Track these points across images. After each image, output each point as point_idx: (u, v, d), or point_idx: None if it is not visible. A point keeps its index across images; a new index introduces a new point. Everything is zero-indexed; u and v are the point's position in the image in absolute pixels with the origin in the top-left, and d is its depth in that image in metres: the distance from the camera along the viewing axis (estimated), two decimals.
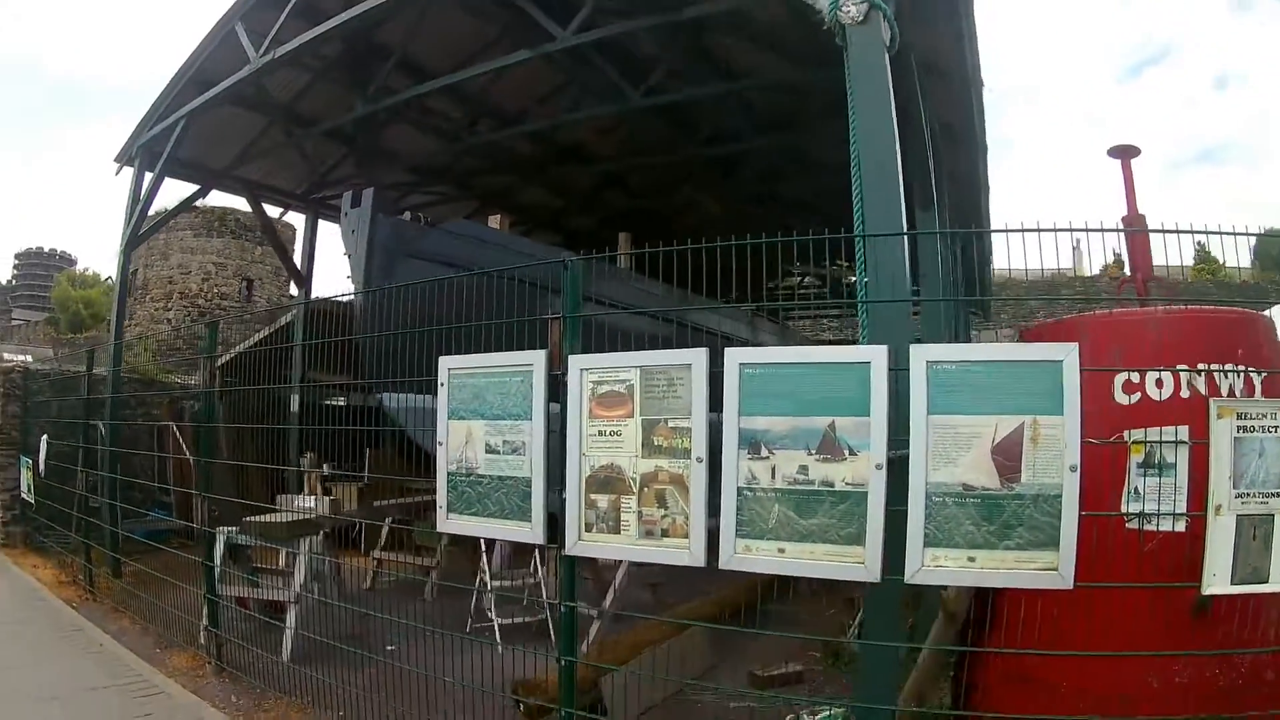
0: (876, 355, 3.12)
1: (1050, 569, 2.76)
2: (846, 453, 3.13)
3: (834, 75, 6.68)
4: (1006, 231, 3.31)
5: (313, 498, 6.42)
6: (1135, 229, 4.32)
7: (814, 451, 3.19)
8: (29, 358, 14.57)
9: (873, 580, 3.03)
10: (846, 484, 3.11)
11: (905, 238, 3.92)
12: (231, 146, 9.62)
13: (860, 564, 3.05)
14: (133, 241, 9.08)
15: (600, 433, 3.38)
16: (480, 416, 3.66)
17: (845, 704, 3.99)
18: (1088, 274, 20.63)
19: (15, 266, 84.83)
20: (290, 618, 5.50)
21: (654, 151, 10.11)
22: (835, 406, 3.15)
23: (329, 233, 11.46)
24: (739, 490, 3.25)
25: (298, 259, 11.47)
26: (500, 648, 5.57)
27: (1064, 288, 21.04)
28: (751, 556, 3.25)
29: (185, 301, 22.09)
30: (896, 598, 3.32)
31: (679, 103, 8.08)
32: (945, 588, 3.74)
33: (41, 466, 8.37)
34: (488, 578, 6.12)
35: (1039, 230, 3.27)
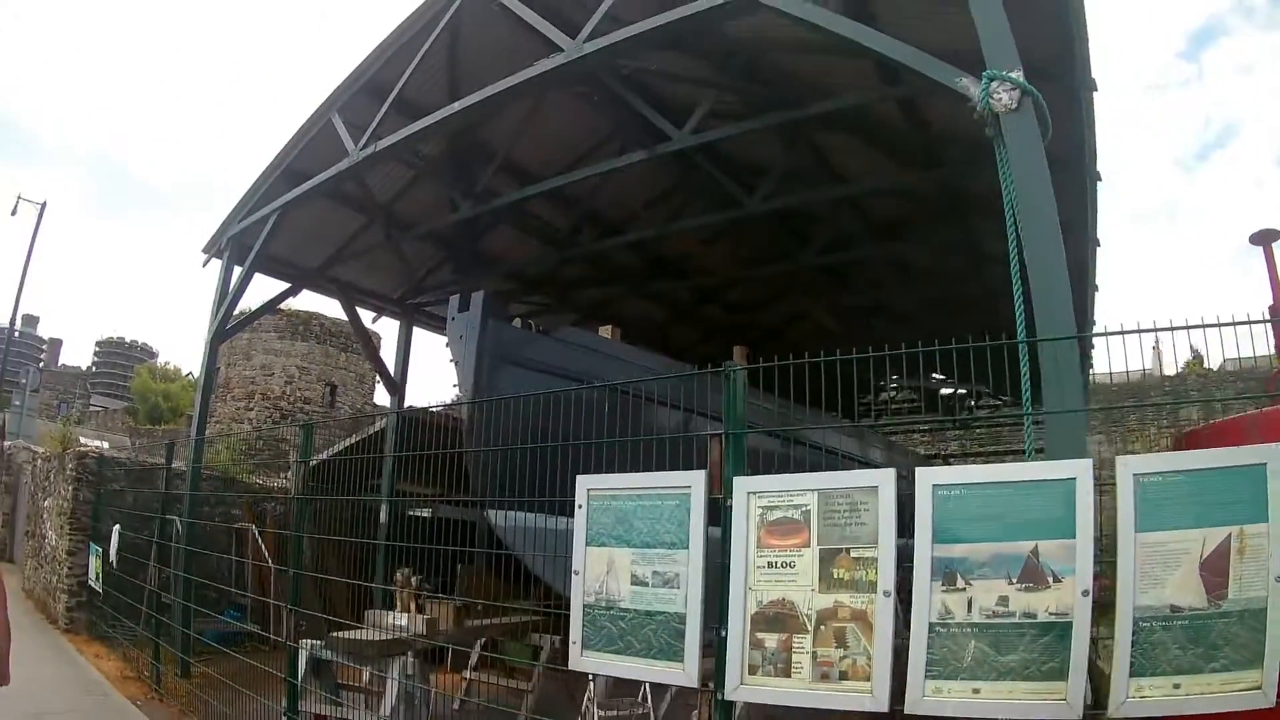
0: (1081, 470, 2.88)
1: (1255, 688, 2.56)
2: (1050, 580, 2.86)
3: (940, 178, 6.61)
4: (1184, 328, 3.00)
5: (405, 615, 5.98)
6: None
7: (1015, 580, 2.91)
8: (106, 444, 14.49)
9: (1075, 718, 2.73)
10: (1050, 614, 2.84)
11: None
12: (325, 246, 9.55)
13: (1063, 700, 2.77)
14: (219, 335, 8.96)
15: (770, 564, 3.06)
16: (625, 543, 3.34)
17: None
18: (1172, 373, 19.30)
19: (96, 354, 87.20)
20: None
21: (760, 262, 9.93)
22: (1038, 529, 2.88)
23: (422, 340, 11.48)
24: (930, 626, 2.87)
25: (390, 366, 11.22)
26: None
27: (1152, 389, 19.40)
28: (941, 699, 2.89)
29: (268, 403, 22.19)
30: None
31: (788, 209, 7.90)
32: None
33: (113, 556, 8.22)
34: (595, 709, 5.59)
35: (1193, 327, 2.98)
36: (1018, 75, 3.83)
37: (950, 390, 13.78)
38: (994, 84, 3.88)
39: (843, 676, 2.98)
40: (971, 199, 7.18)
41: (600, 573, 3.42)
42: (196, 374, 45.34)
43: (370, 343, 10.78)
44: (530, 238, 9.67)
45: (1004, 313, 10.76)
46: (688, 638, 3.17)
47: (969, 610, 2.91)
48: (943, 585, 2.93)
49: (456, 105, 6.20)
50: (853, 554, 3.02)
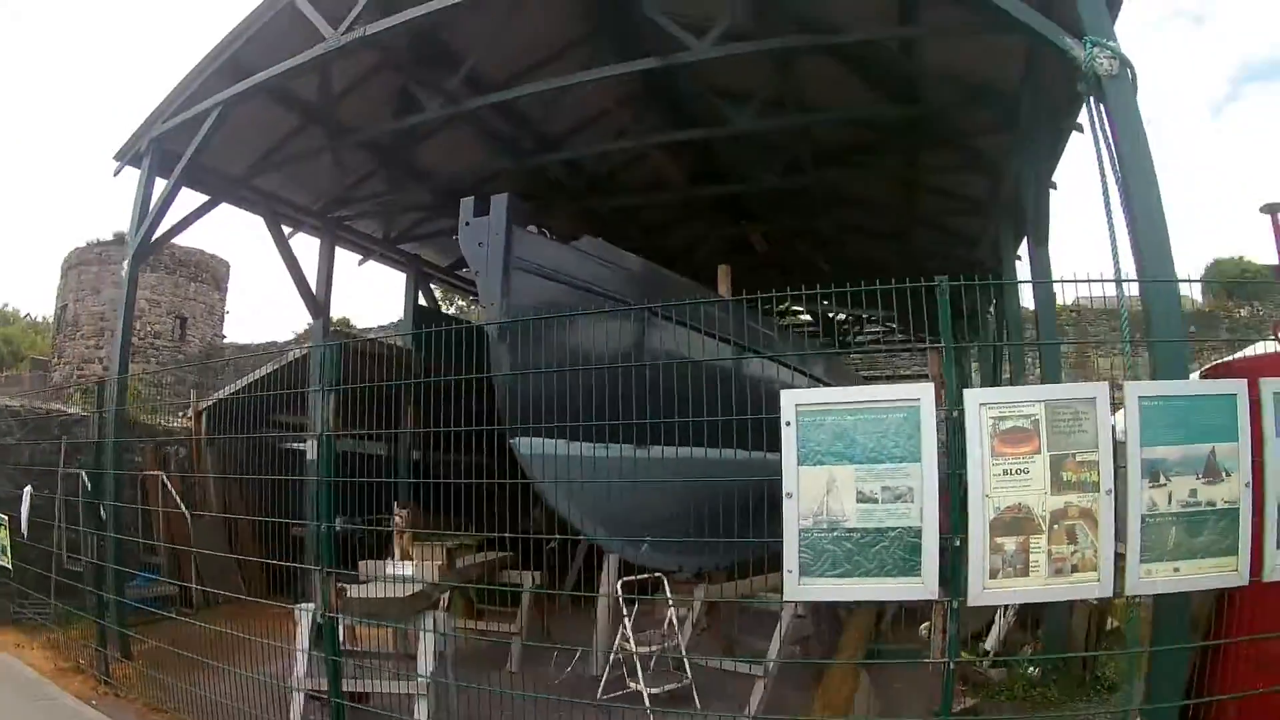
0: (1240, 388, 3.42)
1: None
2: (1224, 475, 3.39)
3: (912, 112, 6.95)
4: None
5: (408, 563, 5.25)
6: None
7: (1200, 476, 3.32)
8: None
9: (1242, 584, 3.35)
10: (1224, 503, 3.37)
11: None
12: (249, 152, 8.19)
13: (1234, 571, 3.34)
14: (141, 253, 7.50)
15: (1006, 471, 3.17)
16: (848, 460, 3.21)
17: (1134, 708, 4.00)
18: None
19: None
20: (420, 711, 4.44)
21: (709, 183, 9.88)
22: (1213, 434, 3.39)
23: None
24: (1142, 518, 3.19)
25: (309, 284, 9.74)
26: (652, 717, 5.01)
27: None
28: (1151, 580, 3.30)
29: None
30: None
31: (751, 133, 7.83)
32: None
33: (24, 524, 6.97)
34: (630, 641, 5.37)
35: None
36: (1116, 45, 4.14)
37: (842, 315, 14.94)
38: (1096, 49, 4.15)
39: (1074, 570, 3.19)
40: (930, 133, 7.67)
41: (819, 494, 3.30)
42: (39, 315, 35.77)
43: (295, 262, 9.48)
44: (469, 149, 8.91)
45: (917, 242, 11.66)
46: (924, 550, 3.24)
47: (1169, 502, 3.25)
48: (1149, 482, 3.25)
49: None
50: (1078, 458, 3.23)
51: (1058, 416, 3.29)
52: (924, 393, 3.32)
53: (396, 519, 5.65)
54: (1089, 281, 3.78)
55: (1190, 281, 4.16)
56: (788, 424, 3.40)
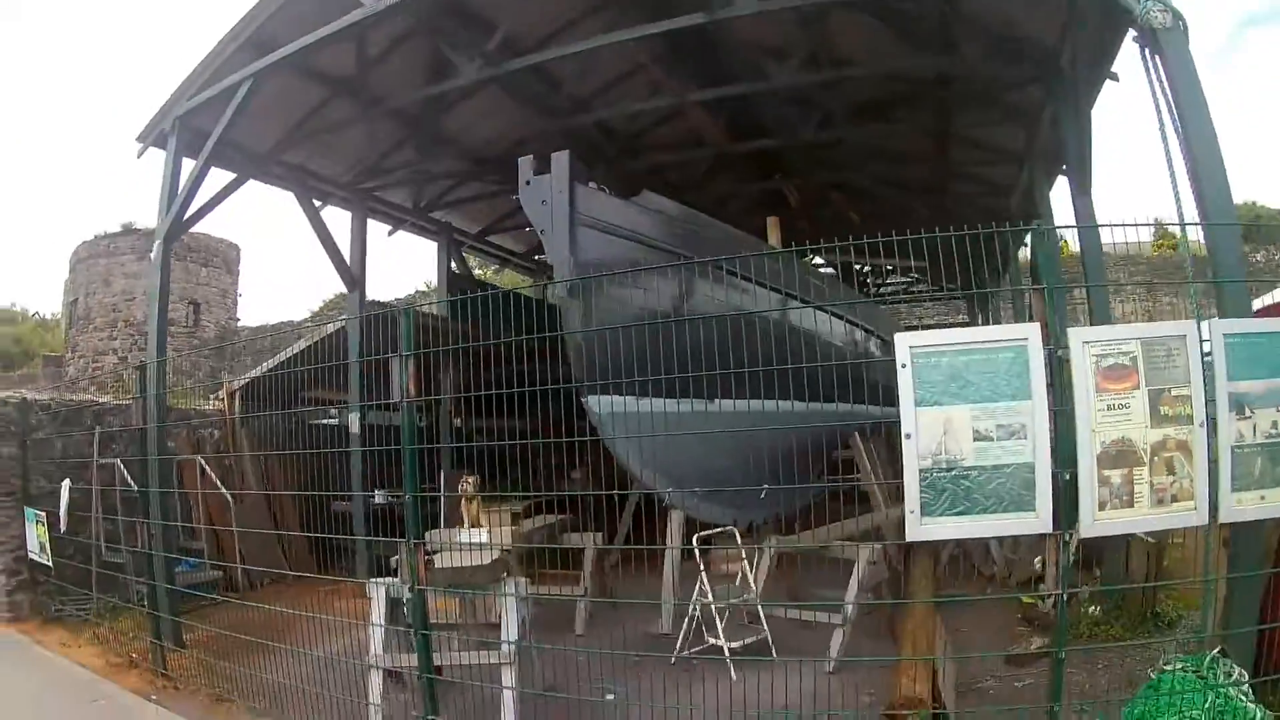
0: None
1: None
2: None
3: (944, 64, 7.14)
4: None
5: (479, 530, 5.29)
6: None
7: None
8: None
9: None
10: None
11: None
12: (276, 126, 8.09)
13: None
14: (174, 232, 7.51)
15: (1110, 406, 3.39)
16: (963, 400, 3.36)
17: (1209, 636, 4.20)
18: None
19: None
20: (508, 678, 4.44)
21: (747, 138, 9.79)
22: None
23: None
24: (1232, 449, 3.39)
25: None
26: (735, 675, 5.14)
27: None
28: (1242, 508, 3.48)
29: (131, 329, 19.87)
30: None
31: (785, 90, 8.07)
32: None
33: (63, 519, 6.97)
34: (710, 597, 5.44)
35: None
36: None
37: (861, 266, 15.36)
38: (1151, 2, 4.38)
39: (1174, 500, 3.38)
40: (966, 85, 7.85)
41: (936, 434, 3.45)
42: (47, 313, 34.61)
43: (328, 234, 9.37)
44: (499, 113, 8.86)
45: (950, 192, 11.89)
46: (1038, 485, 3.41)
47: (1254, 434, 3.46)
48: (1236, 415, 3.46)
49: None
50: (1173, 393, 3.43)
51: (1153, 353, 3.50)
52: (1031, 332, 3.50)
53: (464, 485, 5.65)
54: (1139, 226, 4.03)
55: (1249, 224, 4.45)
56: (904, 366, 3.53)
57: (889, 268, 15.79)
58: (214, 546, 8.00)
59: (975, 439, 3.48)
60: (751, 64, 8.24)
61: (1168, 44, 4.44)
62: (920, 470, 3.52)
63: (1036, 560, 6.63)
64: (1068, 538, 3.50)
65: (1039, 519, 3.46)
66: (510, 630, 4.72)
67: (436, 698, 4.40)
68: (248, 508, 8.30)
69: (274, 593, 7.39)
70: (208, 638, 6.00)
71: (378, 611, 4.87)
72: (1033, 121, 7.97)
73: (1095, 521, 3.48)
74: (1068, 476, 3.45)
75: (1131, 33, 4.57)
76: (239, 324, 22.66)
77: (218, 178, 7.89)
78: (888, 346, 9.53)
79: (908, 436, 3.53)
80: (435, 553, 5.27)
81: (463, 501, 5.79)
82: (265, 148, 8.18)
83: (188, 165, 7.42)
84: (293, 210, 11.39)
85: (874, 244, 4.06)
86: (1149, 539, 5.57)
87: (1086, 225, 5.17)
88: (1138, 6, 4.46)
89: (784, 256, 6.96)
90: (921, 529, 3.54)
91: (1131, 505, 3.49)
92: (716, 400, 5.34)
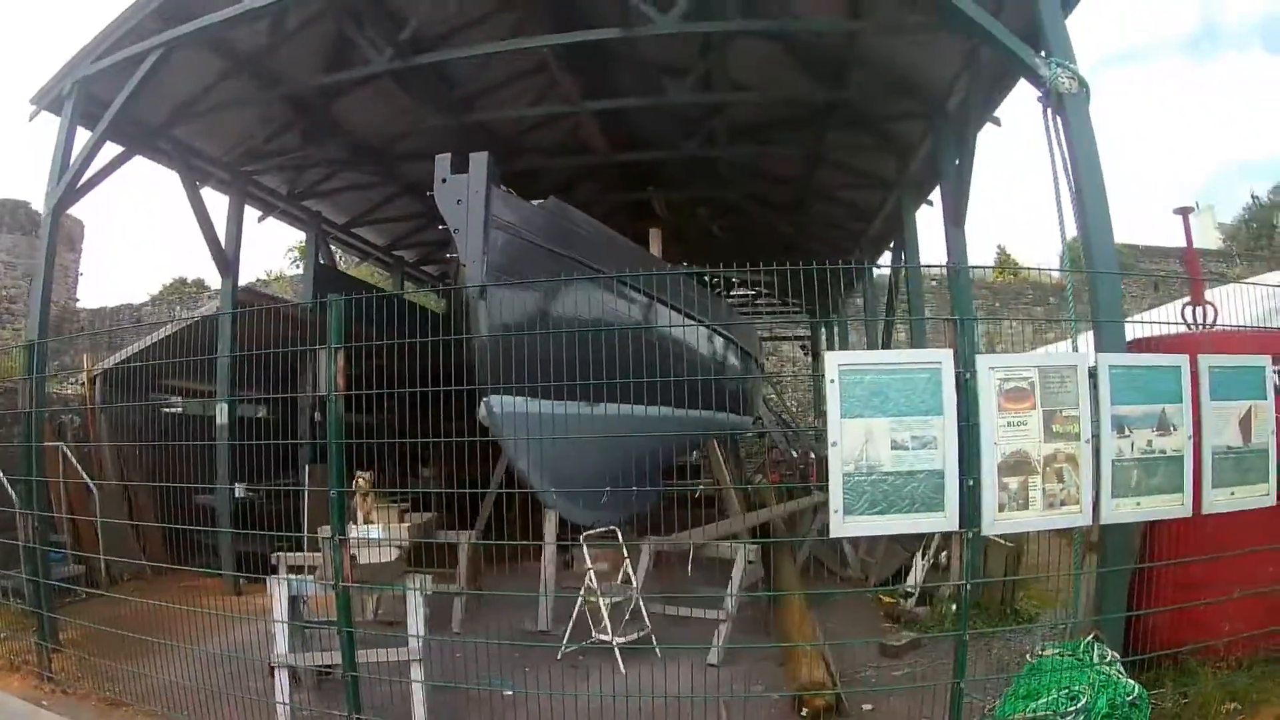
0: (1183, 361, 4.34)
1: (1266, 495, 4.43)
2: (1172, 429, 4.17)
3: (836, 96, 7.75)
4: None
5: (373, 526, 5.48)
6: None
7: (1155, 429, 4.10)
8: None
9: (1186, 515, 4.20)
10: (1173, 451, 4.29)
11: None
12: (168, 100, 7.65)
13: (1180, 505, 4.26)
14: (64, 204, 6.94)
15: (1010, 423, 3.86)
16: (883, 414, 3.80)
17: (1082, 623, 4.65)
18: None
19: None
20: (418, 673, 4.57)
21: (628, 149, 10.01)
22: (1164, 397, 4.29)
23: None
24: (1113, 462, 3.90)
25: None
26: (623, 669, 5.45)
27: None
28: (1119, 511, 4.03)
29: None
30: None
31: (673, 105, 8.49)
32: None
33: None
34: (599, 597, 5.70)
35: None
36: (1076, 66, 4.91)
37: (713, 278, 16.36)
38: (1059, 69, 4.93)
39: (1062, 504, 3.87)
40: (849, 115, 8.37)
41: (859, 442, 3.85)
42: None
43: (207, 217, 8.92)
44: (386, 106, 8.73)
45: (815, 212, 12.52)
46: (947, 489, 3.87)
47: (1131, 450, 4.00)
48: (1117, 434, 4.00)
49: None
50: (1064, 413, 3.95)
51: (1049, 379, 4.01)
52: (945, 357, 3.94)
53: (359, 482, 5.65)
54: (1037, 269, 4.54)
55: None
56: (831, 381, 3.92)
57: (736, 281, 16.68)
58: (74, 538, 7.56)
59: (893, 448, 3.88)
60: (649, 80, 8.56)
61: (1071, 108, 4.99)
62: (844, 474, 3.91)
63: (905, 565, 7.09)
64: (970, 535, 3.97)
65: (947, 518, 3.90)
66: (419, 626, 4.66)
67: (359, 695, 4.34)
68: (106, 498, 7.96)
69: (133, 588, 7.00)
70: (83, 635, 5.71)
71: (279, 608, 4.77)
72: (907, 152, 8.64)
73: (995, 521, 3.95)
74: (972, 482, 3.89)
75: (1036, 94, 5.13)
76: (78, 304, 21.10)
77: (106, 150, 7.41)
78: (747, 357, 10.07)
79: (834, 444, 3.90)
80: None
81: (357, 497, 5.66)
82: (158, 121, 7.81)
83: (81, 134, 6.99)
84: (130, 186, 10.88)
85: (742, 273, 4.46)
86: (1007, 543, 6.15)
87: (956, 266, 5.58)
88: (1047, 72, 5.00)
89: (684, 274, 7.45)
90: (845, 526, 3.95)
91: (1026, 508, 3.96)
92: (602, 404, 5.37)
